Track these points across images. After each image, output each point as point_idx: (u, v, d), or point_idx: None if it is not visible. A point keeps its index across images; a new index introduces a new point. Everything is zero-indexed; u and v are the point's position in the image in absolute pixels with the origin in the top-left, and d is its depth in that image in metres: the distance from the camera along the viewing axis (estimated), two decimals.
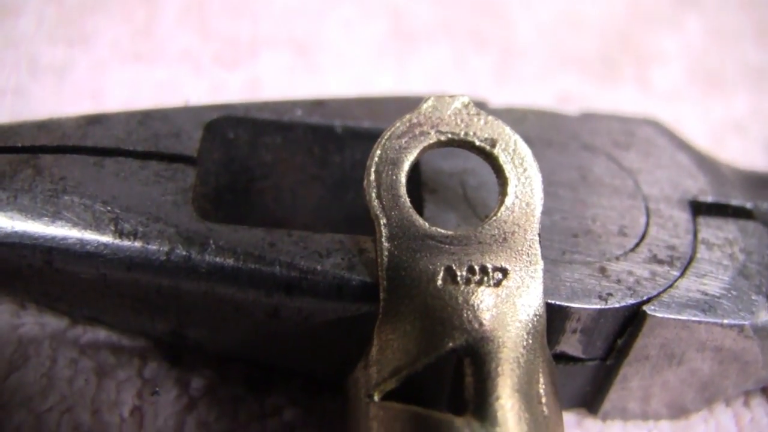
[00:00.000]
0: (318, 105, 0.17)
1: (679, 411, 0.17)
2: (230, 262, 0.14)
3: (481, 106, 0.17)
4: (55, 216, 0.14)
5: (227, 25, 0.23)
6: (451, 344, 0.13)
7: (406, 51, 0.24)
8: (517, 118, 0.17)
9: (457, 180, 0.16)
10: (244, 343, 0.15)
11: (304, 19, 0.24)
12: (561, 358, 0.15)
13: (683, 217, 0.16)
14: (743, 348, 0.15)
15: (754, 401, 0.18)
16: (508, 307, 0.13)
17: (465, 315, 0.13)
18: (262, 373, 0.16)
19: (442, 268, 0.13)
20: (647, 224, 0.16)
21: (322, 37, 0.23)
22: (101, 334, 0.16)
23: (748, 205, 0.17)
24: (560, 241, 0.15)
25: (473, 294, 0.13)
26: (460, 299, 0.13)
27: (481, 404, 0.13)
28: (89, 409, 0.15)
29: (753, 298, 0.15)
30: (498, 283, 0.14)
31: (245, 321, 0.15)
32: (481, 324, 0.13)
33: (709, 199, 0.17)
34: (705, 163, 0.18)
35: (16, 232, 0.14)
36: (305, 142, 0.17)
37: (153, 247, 0.14)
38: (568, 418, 0.17)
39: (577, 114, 0.18)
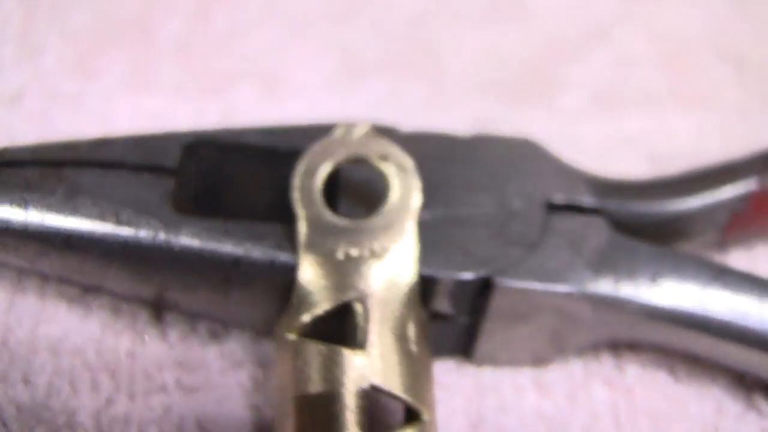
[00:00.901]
0: (269, 132, 0.22)
1: (537, 359, 0.22)
2: (196, 242, 0.20)
3: (390, 131, 0.22)
4: (73, 211, 0.20)
5: (209, 61, 0.29)
6: (345, 298, 0.19)
7: (352, 84, 0.29)
8: (417, 140, 0.22)
9: (365, 185, 0.21)
10: (208, 304, 0.21)
11: (272, 57, 0.29)
12: (437, 315, 0.21)
13: (539, 213, 0.22)
14: (577, 311, 0.21)
15: (603, 354, 0.23)
16: (388, 275, 0.19)
17: (356, 279, 0.19)
18: (222, 326, 0.22)
19: (342, 246, 0.19)
20: (508, 218, 0.21)
21: (284, 72, 0.29)
22: (105, 298, 0.22)
23: (596, 204, 0.23)
24: (436, 229, 0.21)
25: (363, 265, 0.19)
26: (353, 268, 0.19)
27: (364, 341, 0.18)
28: (95, 351, 0.21)
29: (584, 271, 0.21)
30: (381, 258, 0.19)
31: (207, 286, 0.20)
32: (367, 285, 0.19)
33: (563, 200, 0.22)
34: (566, 172, 0.23)
35: (43, 224, 0.20)
36: (259, 159, 0.22)
37: (142, 233, 0.20)
38: (450, 364, 0.22)
39: (469, 135, 0.24)
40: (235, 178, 0.22)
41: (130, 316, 0.22)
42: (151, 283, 0.21)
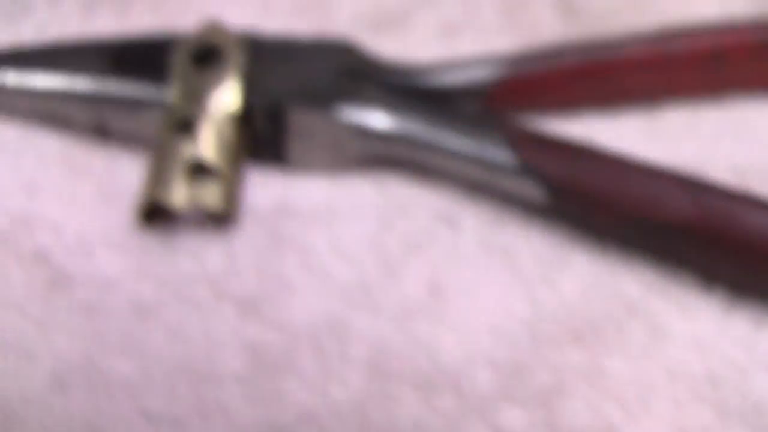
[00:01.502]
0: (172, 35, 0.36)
1: (330, 166, 0.33)
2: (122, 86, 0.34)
3: (257, 33, 0.35)
4: (54, 77, 0.34)
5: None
6: (193, 111, 0.32)
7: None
8: (273, 37, 0.35)
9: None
10: (127, 128, 0.35)
11: None
12: (261, 132, 0.34)
13: (332, 75, 0.34)
14: (340, 132, 0.32)
15: (376, 167, 0.34)
16: (221, 100, 0.31)
17: (202, 100, 0.32)
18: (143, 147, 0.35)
19: (197, 82, 0.32)
20: (310, 76, 0.34)
21: None
22: (68, 133, 0.36)
23: (379, 75, 0.34)
24: (257, 79, 0.33)
25: (207, 93, 0.32)
26: (201, 95, 0.32)
27: (198, 135, 0.31)
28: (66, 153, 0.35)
29: (346, 107, 0.32)
30: (218, 90, 0.32)
31: (124, 117, 0.34)
32: (208, 105, 0.32)
33: (355, 70, 0.35)
34: (368, 56, 0.34)
35: (44, 85, 0.34)
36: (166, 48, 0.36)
37: (89, 85, 0.34)
38: (271, 166, 0.34)
39: (311, 36, 0.36)
40: (147, 58, 0.35)
41: (87, 137, 0.35)
42: (92, 115, 0.35)
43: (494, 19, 0.43)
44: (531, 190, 0.32)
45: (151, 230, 0.32)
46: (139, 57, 0.35)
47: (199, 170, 0.31)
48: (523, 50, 0.37)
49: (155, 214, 0.31)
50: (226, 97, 0.32)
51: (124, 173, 0.34)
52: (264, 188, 0.34)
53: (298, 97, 0.33)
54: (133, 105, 0.33)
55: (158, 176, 0.31)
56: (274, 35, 0.36)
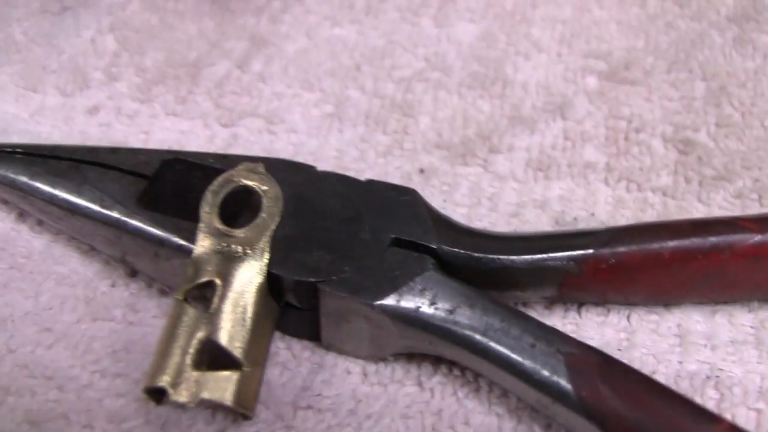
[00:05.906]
0: (220, 157, 0.32)
1: (367, 355, 0.29)
2: (140, 226, 0.30)
3: (308, 167, 0.31)
4: (78, 193, 0.31)
5: (231, 99, 0.39)
6: (212, 277, 0.28)
7: (333, 129, 0.38)
8: (324, 177, 0.30)
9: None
10: (149, 269, 0.31)
11: (279, 101, 0.39)
12: (290, 305, 0.29)
13: (380, 245, 0.29)
14: (381, 321, 0.27)
15: (423, 361, 0.30)
16: (244, 268, 0.28)
17: (223, 266, 0.28)
18: (167, 288, 0.32)
19: (220, 244, 0.28)
20: (352, 244, 0.29)
21: (285, 113, 0.38)
22: (101, 255, 0.33)
23: (434, 245, 0.29)
24: (294, 241, 0.28)
25: (229, 258, 0.28)
26: (223, 259, 0.28)
27: (210, 307, 0.27)
28: (83, 287, 0.32)
29: (389, 291, 0.27)
30: (243, 255, 0.28)
31: (146, 256, 0.30)
32: (228, 271, 0.27)
33: (408, 238, 0.29)
34: (426, 217, 0.29)
35: (61, 196, 0.31)
36: (204, 176, 0.30)
37: (112, 214, 0.30)
38: (306, 345, 0.30)
39: (364, 180, 0.31)
40: (183, 187, 0.31)
41: (114, 270, 0.33)
42: (116, 248, 0.31)
43: (595, 154, 0.37)
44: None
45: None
46: (179, 187, 0.31)
47: (214, 354, 0.27)
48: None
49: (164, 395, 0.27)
50: (252, 261, 0.28)
51: (143, 323, 0.31)
52: (297, 368, 0.29)
53: (337, 276, 0.28)
54: (155, 245, 0.29)
55: (166, 357, 0.27)
56: (330, 173, 0.31)
